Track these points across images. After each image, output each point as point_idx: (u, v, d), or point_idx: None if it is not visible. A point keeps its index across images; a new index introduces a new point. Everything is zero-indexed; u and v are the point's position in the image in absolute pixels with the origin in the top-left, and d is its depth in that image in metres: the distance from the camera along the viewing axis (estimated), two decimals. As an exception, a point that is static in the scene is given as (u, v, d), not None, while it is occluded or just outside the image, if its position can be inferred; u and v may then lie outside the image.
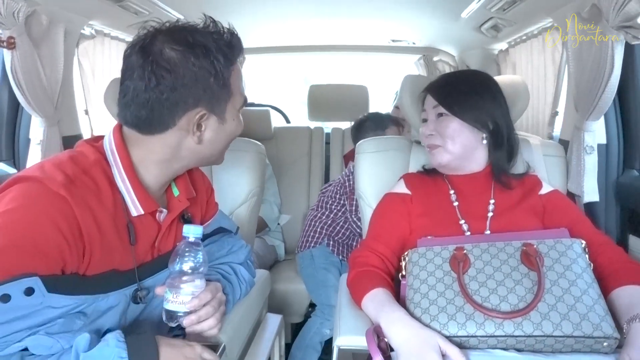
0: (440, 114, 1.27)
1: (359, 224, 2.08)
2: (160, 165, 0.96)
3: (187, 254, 0.94)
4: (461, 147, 1.26)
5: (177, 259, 0.93)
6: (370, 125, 2.28)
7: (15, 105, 1.74)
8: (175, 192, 1.05)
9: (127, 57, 0.91)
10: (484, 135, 1.28)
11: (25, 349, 0.78)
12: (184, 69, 0.87)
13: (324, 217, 2.25)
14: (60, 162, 0.87)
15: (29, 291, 0.76)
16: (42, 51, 1.63)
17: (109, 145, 0.94)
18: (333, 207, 2.25)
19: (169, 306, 0.93)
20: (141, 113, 0.90)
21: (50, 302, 0.79)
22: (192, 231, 0.94)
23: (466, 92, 1.28)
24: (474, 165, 1.31)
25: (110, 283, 0.89)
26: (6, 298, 0.73)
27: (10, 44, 1.50)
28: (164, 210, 1.00)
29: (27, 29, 1.54)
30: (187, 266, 0.93)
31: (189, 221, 1.06)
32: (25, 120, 1.77)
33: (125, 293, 0.93)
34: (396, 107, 2.43)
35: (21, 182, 0.83)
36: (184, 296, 0.93)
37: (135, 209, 0.93)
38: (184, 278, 0.93)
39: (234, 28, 0.96)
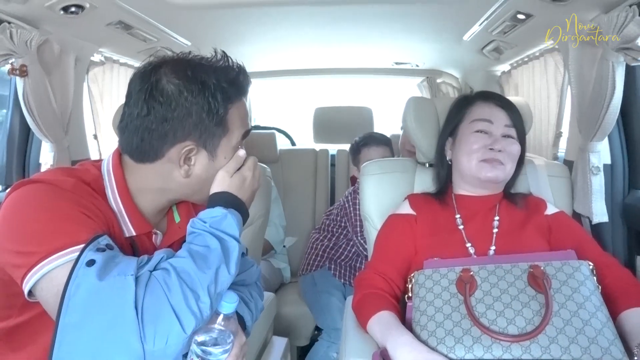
0: (508, 136, 1.29)
1: (365, 245, 2.08)
2: (153, 194, 0.96)
3: (220, 328, 0.88)
4: (513, 170, 1.30)
5: (208, 330, 0.88)
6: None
7: (26, 131, 1.77)
8: (177, 218, 1.04)
9: (130, 83, 0.92)
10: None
11: None
12: (176, 103, 0.87)
13: (325, 241, 2.25)
14: (62, 171, 0.90)
15: (110, 247, 0.80)
16: (53, 78, 1.67)
17: (106, 167, 0.95)
18: (334, 230, 2.25)
19: None
20: (132, 140, 0.90)
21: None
22: (227, 308, 0.88)
23: (522, 122, 1.33)
24: (499, 188, 1.33)
25: None
26: (102, 249, 0.78)
27: (23, 72, 1.53)
28: (159, 233, 1.00)
29: (39, 56, 1.57)
30: (217, 339, 0.88)
31: None
32: (35, 145, 1.80)
33: None
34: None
35: (28, 185, 0.85)
36: None
37: (127, 230, 0.93)
38: (211, 349, 0.88)
39: (243, 65, 0.95)
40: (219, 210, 0.88)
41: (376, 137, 2.35)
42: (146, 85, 0.88)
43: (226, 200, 0.92)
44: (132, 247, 0.94)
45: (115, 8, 1.56)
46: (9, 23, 1.46)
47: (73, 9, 1.49)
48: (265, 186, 1.74)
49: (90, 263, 0.75)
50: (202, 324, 0.81)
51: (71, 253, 0.77)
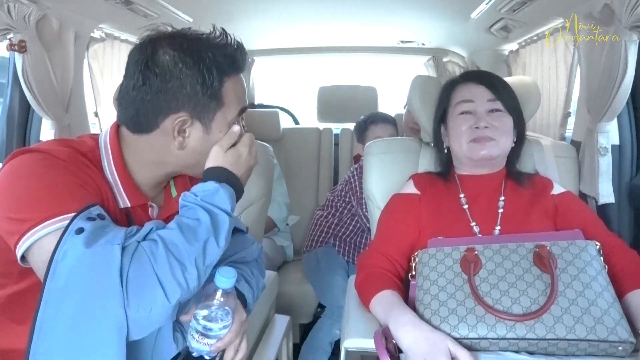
0: (495, 110, 1.27)
1: (368, 217, 2.08)
2: (149, 166, 0.96)
3: (218, 304, 0.89)
4: (509, 144, 1.28)
5: (207, 306, 0.89)
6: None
7: (26, 108, 1.76)
8: (174, 192, 1.04)
9: (128, 56, 0.93)
10: (514, 138, 1.31)
11: None
12: (170, 74, 0.88)
13: (329, 217, 2.26)
14: (58, 142, 0.91)
15: (102, 216, 0.82)
16: (52, 54, 1.65)
17: (104, 138, 0.96)
18: (339, 205, 2.25)
19: (194, 344, 0.90)
20: (128, 111, 0.92)
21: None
22: (225, 283, 0.89)
23: (514, 94, 1.31)
24: (499, 164, 1.32)
25: None
26: (92, 218, 0.79)
27: (22, 48, 1.51)
28: (154, 205, 1.00)
29: (38, 32, 1.55)
30: (216, 315, 0.90)
31: None
32: (36, 122, 1.79)
33: None
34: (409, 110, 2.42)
35: (24, 154, 0.85)
36: (209, 339, 0.90)
37: (122, 201, 0.94)
38: (211, 325, 0.90)
39: (241, 41, 0.95)
40: (211, 185, 0.89)
41: (383, 115, 2.37)
42: (142, 56, 0.88)
43: (219, 175, 0.92)
44: (128, 219, 0.94)
45: (116, -18, 1.53)
46: (7, -3, 1.43)
47: (72, -18, 1.46)
48: (267, 165, 1.73)
49: (79, 231, 0.76)
50: (188, 295, 0.82)
51: (62, 221, 0.78)
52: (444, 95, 1.37)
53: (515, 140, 1.31)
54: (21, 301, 0.87)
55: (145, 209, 0.99)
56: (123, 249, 0.77)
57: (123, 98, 0.92)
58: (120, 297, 0.74)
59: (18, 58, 1.55)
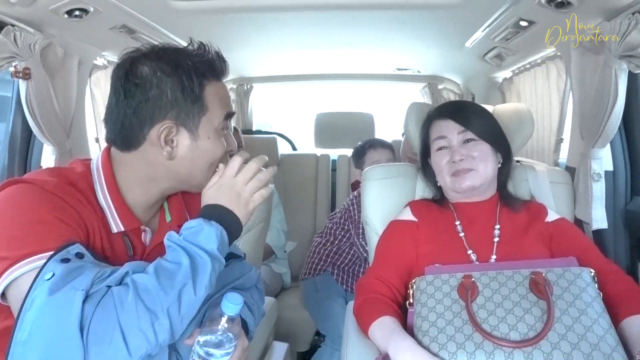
0: (468, 140, 1.28)
1: (366, 247, 2.08)
2: (142, 185, 0.95)
3: (223, 330, 0.88)
4: (491, 170, 1.29)
5: (211, 331, 0.88)
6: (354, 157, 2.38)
7: (28, 134, 1.77)
8: (168, 217, 1.03)
9: (111, 76, 0.94)
10: (500, 160, 1.32)
11: None
12: (150, 83, 0.88)
13: (328, 244, 2.24)
14: (49, 172, 0.90)
15: (80, 255, 0.79)
16: (56, 81, 1.67)
17: (96, 163, 0.95)
18: (337, 233, 2.24)
19: None
20: (115, 127, 0.92)
21: (99, 263, 0.81)
22: (231, 309, 0.87)
23: (487, 118, 1.33)
24: (489, 191, 1.33)
25: None
26: (66, 260, 0.76)
27: (26, 75, 1.53)
28: (148, 230, 0.99)
29: (42, 60, 1.58)
30: (220, 341, 0.88)
31: None
32: (37, 148, 1.80)
33: None
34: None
35: (12, 185, 0.85)
36: None
37: (116, 225, 0.92)
38: (213, 351, 0.88)
39: (219, 50, 0.96)
40: (196, 222, 0.86)
41: (381, 140, 2.40)
42: (122, 71, 0.90)
43: (212, 211, 0.89)
44: (125, 243, 0.93)
45: (119, 12, 1.57)
46: (13, 26, 1.46)
47: (77, 12, 1.49)
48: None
49: (51, 275, 0.74)
50: (156, 349, 0.78)
51: (37, 260, 0.76)
52: (423, 132, 1.40)
53: (501, 162, 1.33)
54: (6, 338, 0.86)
55: (138, 234, 0.97)
56: (88, 295, 0.73)
57: (109, 116, 0.93)
58: (80, 351, 0.70)
59: (22, 85, 1.57)
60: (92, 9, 1.49)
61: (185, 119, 0.91)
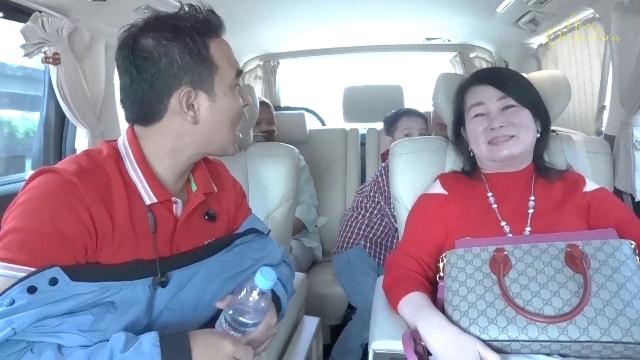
0: (508, 106, 1.24)
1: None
2: (169, 156, 0.97)
3: (254, 301, 0.90)
4: (531, 138, 1.25)
5: (242, 301, 0.90)
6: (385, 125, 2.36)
7: (61, 118, 1.82)
8: (194, 187, 1.05)
9: (116, 57, 0.95)
10: (539, 129, 1.27)
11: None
12: (158, 53, 0.89)
13: (360, 217, 2.24)
14: (77, 156, 0.93)
15: (54, 281, 0.80)
16: (84, 65, 1.70)
17: (123, 141, 0.98)
18: (368, 205, 2.24)
19: None
20: (135, 106, 0.94)
21: (76, 290, 0.82)
22: (264, 284, 0.88)
23: (527, 84, 1.28)
24: (525, 161, 1.29)
25: (133, 271, 0.90)
26: (32, 289, 0.78)
27: (55, 60, 1.57)
28: (179, 201, 1.01)
29: (70, 44, 1.60)
30: (249, 310, 0.90)
31: (212, 218, 1.07)
32: (71, 131, 1.85)
33: (148, 283, 0.93)
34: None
35: (40, 175, 0.88)
36: (235, 332, 0.91)
37: (149, 197, 0.95)
38: (242, 319, 0.90)
39: (210, 6, 0.97)
40: (150, 348, 0.81)
41: (415, 110, 2.38)
42: (126, 49, 0.91)
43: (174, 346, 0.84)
44: (149, 219, 0.95)
45: (142, -8, 1.57)
46: (40, 12, 1.49)
47: (101, -5, 1.51)
48: (293, 167, 1.74)
49: (10, 302, 0.76)
50: None
51: (9, 270, 0.79)
52: (458, 99, 1.35)
53: (539, 131, 1.28)
54: None
55: (169, 206, 0.99)
56: (16, 333, 0.76)
57: (125, 97, 0.94)
58: None
59: (52, 70, 1.60)
60: (115, -9, 1.50)
61: (199, 81, 0.93)
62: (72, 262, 0.84)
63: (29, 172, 1.85)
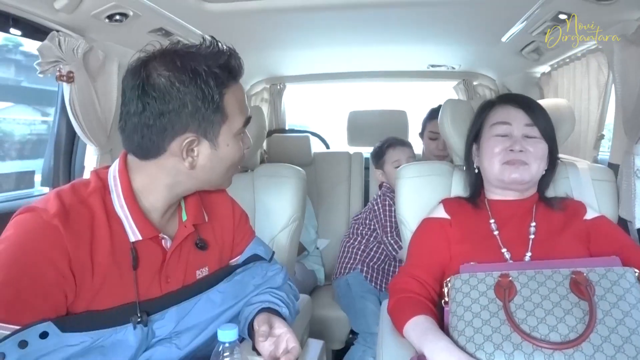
0: (531, 136, 1.26)
1: (395, 246, 2.07)
2: (161, 191, 0.95)
3: (226, 356, 0.89)
4: (541, 171, 1.27)
5: None
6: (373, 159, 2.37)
7: (72, 135, 1.85)
8: (184, 217, 1.03)
9: (122, 80, 0.92)
10: (546, 163, 1.30)
11: None
12: (169, 95, 0.86)
13: (355, 243, 2.26)
14: (61, 192, 0.90)
15: (44, 335, 0.79)
16: (97, 84, 1.73)
17: (113, 172, 0.95)
18: (364, 232, 2.25)
19: None
20: (133, 138, 0.90)
21: (67, 341, 0.82)
22: (227, 336, 0.88)
23: (549, 120, 1.29)
24: (530, 191, 1.31)
25: (122, 314, 0.89)
26: (24, 344, 0.76)
27: (70, 78, 1.60)
28: (167, 237, 0.98)
29: (84, 63, 1.64)
30: None
31: (203, 247, 1.05)
32: (81, 148, 1.87)
33: (141, 327, 0.91)
34: (431, 139, 2.46)
35: (22, 214, 0.86)
36: None
37: (133, 234, 0.92)
38: None
39: (233, 47, 0.94)
40: None
41: (399, 139, 2.39)
42: (137, 81, 0.87)
43: None
44: (132, 255, 0.93)
45: (157, 16, 1.61)
46: (58, 31, 1.53)
47: (117, 17, 1.55)
48: (300, 188, 1.76)
49: (1, 357, 0.74)
50: None
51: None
52: (479, 115, 1.37)
53: (547, 167, 1.30)
54: None
55: (158, 241, 0.98)
56: None
57: (125, 125, 0.91)
58: None
59: (66, 88, 1.63)
60: (131, 13, 1.54)
61: (206, 128, 0.90)
62: (51, 312, 0.82)
63: (37, 188, 1.87)
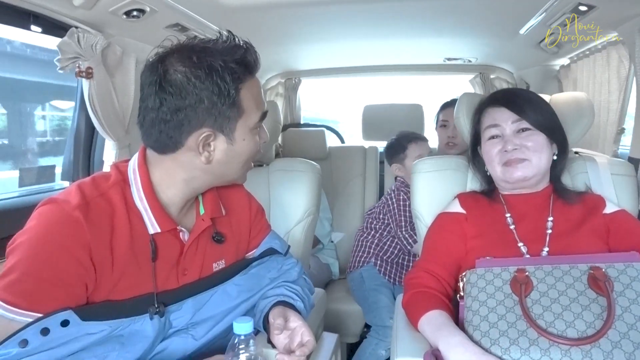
0: (523, 129, 1.25)
1: (409, 240, 2.07)
2: (178, 185, 0.97)
3: (241, 349, 0.92)
4: (545, 162, 1.25)
5: (233, 355, 0.92)
6: (390, 152, 2.34)
7: (91, 130, 1.88)
8: (202, 210, 1.04)
9: (141, 76, 0.93)
10: (555, 152, 1.28)
11: None
12: (186, 91, 0.87)
13: (369, 237, 2.26)
14: (83, 184, 0.92)
15: (65, 323, 0.82)
16: (115, 79, 1.76)
17: (132, 165, 0.97)
18: (378, 226, 2.25)
19: None
20: (151, 133, 0.92)
21: (88, 329, 0.84)
22: (243, 329, 0.90)
23: (543, 107, 1.28)
24: (542, 183, 1.29)
25: (141, 304, 0.91)
26: (45, 332, 0.79)
27: (89, 74, 1.62)
28: (185, 230, 1.00)
29: (103, 59, 1.66)
30: (244, 358, 0.92)
31: (220, 240, 1.07)
32: (99, 143, 1.90)
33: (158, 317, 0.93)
34: (442, 126, 2.43)
35: (45, 205, 0.88)
36: None
37: (152, 226, 0.94)
38: None
39: (249, 41, 0.94)
40: None
41: (416, 133, 2.37)
42: (155, 77, 0.88)
43: None
44: (152, 247, 0.95)
45: (174, 11, 1.63)
46: (76, 28, 1.55)
47: (135, 12, 1.56)
48: (315, 182, 1.76)
49: (24, 343, 0.78)
50: None
51: (18, 315, 0.80)
52: (475, 119, 1.37)
53: (556, 153, 1.28)
54: None
55: (176, 234, 0.99)
56: None
57: (144, 120, 0.92)
58: None
59: (85, 83, 1.66)
60: (148, 9, 1.56)
61: (222, 124, 0.91)
62: (71, 302, 0.84)
63: (58, 182, 1.91)
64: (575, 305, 0.98)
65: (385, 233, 2.23)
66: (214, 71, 0.88)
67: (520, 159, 1.23)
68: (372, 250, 2.22)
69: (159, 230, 0.95)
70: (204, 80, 0.87)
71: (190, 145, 0.91)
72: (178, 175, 0.96)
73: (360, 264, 2.22)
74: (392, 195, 2.20)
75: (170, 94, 0.87)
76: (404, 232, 2.09)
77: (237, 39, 0.93)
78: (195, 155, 0.93)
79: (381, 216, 2.25)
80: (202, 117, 0.89)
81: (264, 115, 0.99)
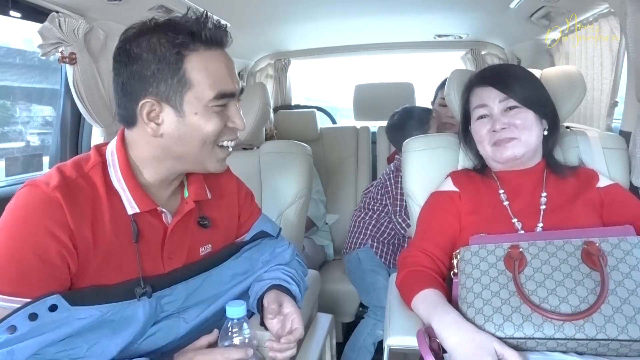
0: (510, 108, 1.23)
1: (403, 225, 2.06)
2: (152, 163, 0.95)
3: (235, 332, 0.93)
4: (535, 138, 1.24)
5: (227, 338, 0.93)
6: (414, 124, 2.19)
7: (77, 117, 1.84)
8: (186, 193, 1.03)
9: None
10: (546, 127, 1.27)
11: None
12: (131, 59, 0.87)
13: (367, 218, 2.25)
14: (63, 166, 0.91)
15: (53, 307, 0.80)
16: (100, 64, 1.71)
17: (111, 147, 0.96)
18: (375, 207, 2.24)
19: None
20: (116, 107, 0.94)
21: (77, 314, 0.83)
22: (236, 313, 0.92)
23: (531, 83, 1.27)
24: (534, 159, 1.28)
25: (128, 288, 0.91)
26: (34, 317, 0.78)
27: (72, 60, 1.59)
28: (166, 212, 0.98)
29: (86, 44, 1.62)
30: (237, 341, 0.93)
31: (206, 225, 1.05)
32: (87, 130, 1.87)
33: (149, 301, 0.93)
34: (442, 105, 2.36)
35: (24, 187, 0.87)
36: None
37: (131, 207, 0.92)
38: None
39: (207, 13, 0.90)
40: None
41: (417, 111, 2.26)
42: (115, 51, 0.91)
43: None
44: (133, 227, 0.93)
45: (156, -8, 1.59)
46: (57, 12, 1.51)
47: (116, -5, 1.52)
48: (306, 164, 1.75)
49: (12, 329, 0.77)
50: None
51: (9, 302, 0.79)
52: (464, 99, 1.36)
53: (547, 129, 1.27)
54: None
55: (158, 216, 0.97)
56: None
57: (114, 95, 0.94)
58: None
59: (69, 69, 1.63)
60: (130, -10, 1.52)
61: (168, 94, 0.88)
62: (56, 285, 0.83)
63: (46, 170, 1.88)
64: (568, 280, 0.98)
65: (382, 214, 2.22)
66: (155, 37, 0.86)
67: (509, 138, 1.22)
68: (368, 232, 2.21)
69: (137, 211, 0.93)
70: (145, 48, 0.86)
71: (143, 117, 0.89)
72: (146, 151, 0.94)
73: (357, 246, 2.22)
74: (391, 176, 2.17)
75: (120, 62, 0.89)
76: (397, 217, 2.09)
77: (196, 14, 0.90)
78: (147, 127, 0.91)
79: (379, 197, 2.23)
80: (146, 85, 0.87)
81: (221, 96, 0.91)
